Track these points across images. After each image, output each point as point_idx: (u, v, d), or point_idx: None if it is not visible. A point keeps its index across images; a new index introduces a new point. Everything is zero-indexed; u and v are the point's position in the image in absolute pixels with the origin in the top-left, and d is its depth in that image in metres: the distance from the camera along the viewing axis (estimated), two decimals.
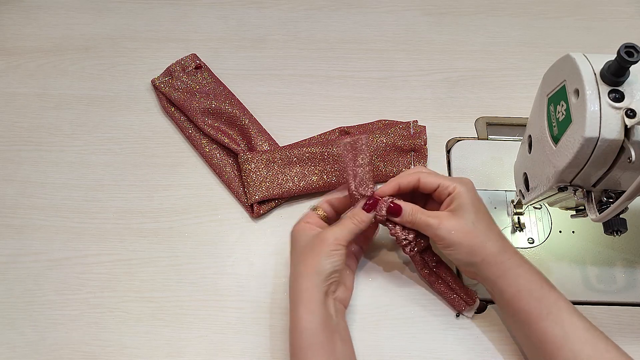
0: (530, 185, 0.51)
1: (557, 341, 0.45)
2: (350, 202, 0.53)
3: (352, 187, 0.51)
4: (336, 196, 0.54)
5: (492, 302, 0.55)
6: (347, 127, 0.66)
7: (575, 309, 0.47)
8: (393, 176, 0.58)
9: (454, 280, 0.55)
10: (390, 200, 0.51)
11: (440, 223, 0.49)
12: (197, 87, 0.69)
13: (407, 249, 0.53)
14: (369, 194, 0.51)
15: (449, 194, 0.50)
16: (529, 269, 0.49)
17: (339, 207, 0.54)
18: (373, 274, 0.58)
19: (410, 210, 0.51)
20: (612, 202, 0.42)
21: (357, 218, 0.51)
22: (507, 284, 0.48)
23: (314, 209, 0.53)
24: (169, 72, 0.70)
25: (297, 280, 0.49)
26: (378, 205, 0.51)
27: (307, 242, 0.50)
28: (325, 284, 0.48)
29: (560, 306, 0.47)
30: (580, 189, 0.45)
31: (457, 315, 0.55)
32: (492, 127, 0.68)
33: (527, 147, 0.50)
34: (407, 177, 0.52)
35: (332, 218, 0.54)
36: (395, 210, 0.51)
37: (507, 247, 0.49)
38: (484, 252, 0.49)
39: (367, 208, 0.51)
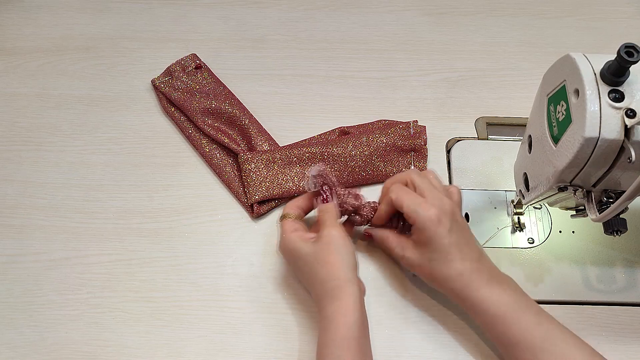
0: (530, 185, 0.51)
1: None
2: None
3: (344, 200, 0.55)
4: (301, 200, 0.56)
5: None
6: (347, 127, 0.66)
7: (549, 332, 0.46)
8: (393, 176, 0.58)
9: None
10: (365, 229, 0.58)
11: (403, 256, 0.52)
12: (197, 87, 0.69)
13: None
14: (357, 203, 0.55)
15: (413, 223, 0.50)
16: (492, 303, 0.47)
17: (305, 209, 0.56)
18: (373, 275, 0.58)
19: (377, 236, 0.56)
20: (612, 202, 0.42)
21: (328, 210, 0.53)
22: (472, 316, 0.51)
23: (285, 216, 0.55)
24: (169, 72, 0.70)
25: (324, 282, 0.49)
26: (347, 198, 0.55)
27: (313, 248, 0.50)
28: (355, 274, 0.50)
29: (529, 334, 0.46)
30: (580, 189, 0.45)
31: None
32: (492, 127, 0.68)
33: (527, 147, 0.50)
34: (386, 199, 0.54)
35: (303, 216, 0.56)
36: (367, 237, 0.58)
37: (469, 284, 0.48)
38: (444, 287, 0.51)
39: (324, 200, 0.54)
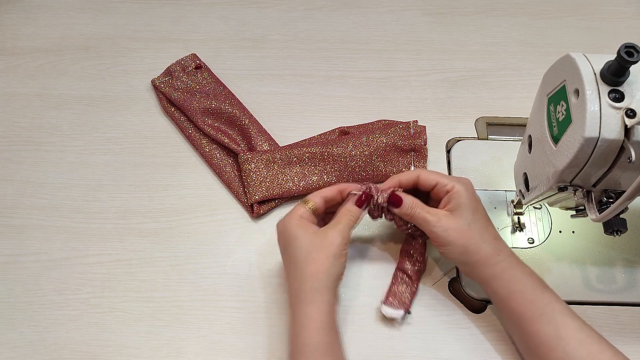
0: (530, 185, 0.51)
1: (550, 342, 0.46)
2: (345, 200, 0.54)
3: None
4: (329, 192, 0.54)
5: (490, 302, 0.55)
6: (347, 127, 0.66)
7: (569, 310, 0.47)
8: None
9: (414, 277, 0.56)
10: (392, 190, 0.52)
11: (438, 221, 0.50)
12: (197, 87, 0.69)
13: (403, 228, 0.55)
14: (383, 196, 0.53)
15: (447, 192, 0.51)
16: (522, 271, 0.49)
17: (329, 203, 0.54)
18: (373, 274, 0.58)
19: (410, 204, 0.51)
20: (612, 202, 0.42)
21: (352, 214, 0.52)
22: (500, 285, 0.49)
23: (305, 202, 0.53)
24: (169, 72, 0.70)
25: (305, 280, 0.48)
26: (379, 194, 0.52)
27: (310, 242, 0.50)
28: (336, 284, 0.49)
29: (553, 307, 0.47)
30: (580, 189, 0.45)
31: (408, 313, 0.55)
32: (492, 127, 0.68)
33: (527, 147, 0.50)
34: (407, 174, 0.53)
35: (321, 212, 0.54)
36: (395, 201, 0.52)
37: (502, 249, 0.49)
38: (478, 253, 0.49)
39: (359, 203, 0.52)
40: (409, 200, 0.51)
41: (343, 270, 0.50)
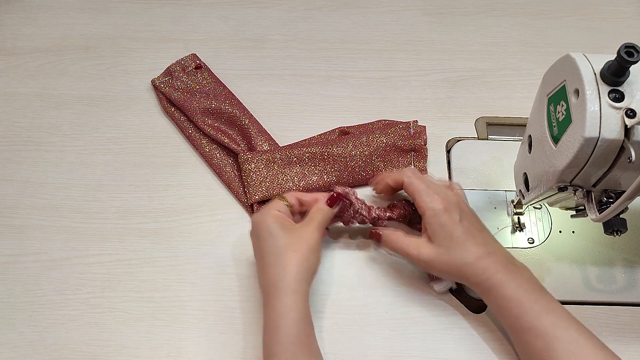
0: (530, 185, 0.51)
1: (541, 354, 0.46)
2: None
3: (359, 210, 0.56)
4: (304, 196, 0.55)
5: None
6: (347, 127, 0.66)
7: (562, 320, 0.47)
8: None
9: None
10: (371, 228, 0.57)
11: (418, 254, 0.51)
12: (197, 87, 0.69)
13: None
14: (372, 215, 0.56)
15: (423, 215, 0.51)
16: (509, 286, 0.48)
17: (304, 205, 0.55)
18: (373, 274, 0.58)
19: (388, 238, 0.54)
20: (612, 202, 0.42)
21: (323, 212, 0.54)
22: (487, 300, 0.50)
23: (282, 198, 0.54)
24: (169, 72, 0.70)
25: (286, 270, 0.48)
26: (361, 206, 0.56)
27: (289, 234, 0.50)
28: (312, 278, 0.50)
29: (542, 320, 0.46)
30: (580, 189, 0.45)
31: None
32: (492, 127, 0.68)
33: (527, 147, 0.50)
34: (396, 177, 0.54)
35: (295, 211, 0.55)
36: (376, 237, 0.56)
37: (488, 267, 0.49)
38: (462, 274, 0.50)
39: (330, 203, 0.54)
40: (387, 236, 0.54)
41: (318, 264, 0.51)
